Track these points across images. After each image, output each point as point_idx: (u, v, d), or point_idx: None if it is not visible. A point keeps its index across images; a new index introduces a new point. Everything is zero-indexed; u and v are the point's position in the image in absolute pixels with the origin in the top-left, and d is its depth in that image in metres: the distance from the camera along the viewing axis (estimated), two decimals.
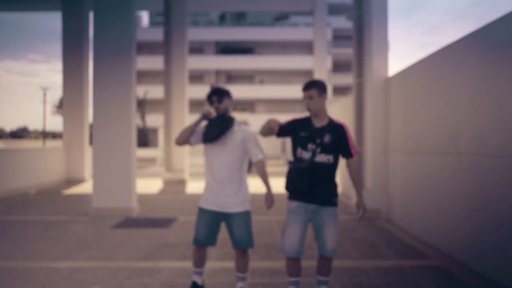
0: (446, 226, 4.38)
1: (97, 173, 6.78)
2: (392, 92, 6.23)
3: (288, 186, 2.83)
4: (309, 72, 37.25)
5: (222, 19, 40.61)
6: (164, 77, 12.37)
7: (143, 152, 28.81)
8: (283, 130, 2.90)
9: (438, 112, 4.57)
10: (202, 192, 3.14)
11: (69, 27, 12.46)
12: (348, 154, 2.87)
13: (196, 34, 36.05)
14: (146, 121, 34.29)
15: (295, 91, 35.98)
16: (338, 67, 39.57)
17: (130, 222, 6.19)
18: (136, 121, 29.35)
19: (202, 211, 3.07)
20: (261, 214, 6.77)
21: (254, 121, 30.41)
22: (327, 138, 2.79)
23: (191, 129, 3.09)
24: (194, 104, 38.09)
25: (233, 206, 3.00)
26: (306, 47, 38.13)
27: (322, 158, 2.79)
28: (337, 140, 2.82)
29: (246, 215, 3.03)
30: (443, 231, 4.45)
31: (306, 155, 2.80)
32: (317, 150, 2.77)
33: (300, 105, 37.91)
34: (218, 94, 3.08)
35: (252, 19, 39.98)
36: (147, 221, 6.31)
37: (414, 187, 5.26)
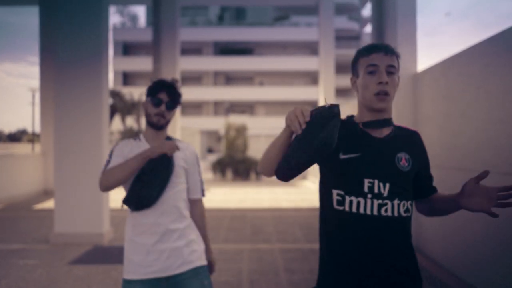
0: None
1: (60, 191, 5.54)
2: (423, 90, 5.00)
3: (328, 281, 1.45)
4: (311, 73, 36.10)
5: (221, 19, 39.47)
6: (152, 77, 11.16)
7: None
8: None
9: (508, 115, 3.33)
10: (125, 254, 1.93)
11: (47, 23, 11.22)
12: (431, 189, 1.58)
13: (194, 34, 34.98)
14: (141, 124, 33.01)
15: (296, 92, 34.85)
16: (340, 68, 38.40)
17: (96, 254, 4.94)
18: (132, 123, 28.02)
19: (129, 284, 1.88)
20: (261, 241, 5.54)
21: (254, 124, 29.23)
22: (404, 162, 1.45)
23: (130, 170, 1.87)
24: (192, 107, 36.90)
25: (184, 263, 1.91)
26: (308, 48, 37.02)
27: (393, 207, 1.40)
28: (417, 165, 1.50)
29: (204, 272, 1.98)
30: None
31: (360, 204, 1.39)
32: (383, 189, 1.40)
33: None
34: (172, 94, 1.97)
35: (251, 19, 38.84)
36: (118, 251, 5.06)
37: (459, 214, 4.02)
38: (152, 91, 1.96)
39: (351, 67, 1.53)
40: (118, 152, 1.95)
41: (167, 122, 1.99)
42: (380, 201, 1.38)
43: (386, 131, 1.49)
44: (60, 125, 5.56)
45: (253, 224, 6.76)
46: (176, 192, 1.95)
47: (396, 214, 1.39)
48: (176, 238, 1.91)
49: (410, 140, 1.53)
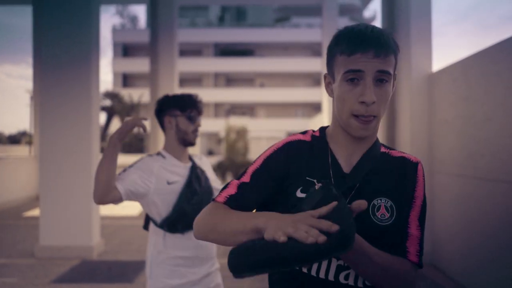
0: None
1: (45, 200, 5.14)
2: (440, 92, 4.59)
3: None
4: (312, 75, 35.71)
5: (221, 20, 39.15)
6: (149, 79, 10.80)
7: (136, 159, 27.16)
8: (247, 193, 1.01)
9: None
10: (156, 274, 1.85)
11: (39, 23, 10.85)
12: (399, 249, 0.98)
13: (194, 35, 34.63)
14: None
15: (297, 94, 34.49)
16: None
17: (83, 271, 4.53)
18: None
19: None
20: None
21: (254, 126, 28.87)
22: (383, 211, 0.98)
23: (108, 161, 1.68)
24: None
25: (216, 285, 1.96)
26: (309, 49, 36.67)
27: (357, 274, 1.01)
28: (404, 215, 1.01)
29: None
30: None
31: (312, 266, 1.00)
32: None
33: (303, 109, 36.40)
34: (200, 109, 1.95)
35: (252, 20, 38.52)
36: (107, 267, 4.66)
37: (485, 229, 3.61)
38: (185, 107, 1.88)
39: (326, 59, 1.06)
40: (142, 166, 1.80)
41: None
42: (340, 263, 0.96)
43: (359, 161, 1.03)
44: (45, 129, 5.17)
45: None
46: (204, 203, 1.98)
47: (360, 284, 0.97)
48: (214, 261, 1.97)
49: (399, 177, 1.01)
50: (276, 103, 35.57)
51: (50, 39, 5.23)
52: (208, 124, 33.57)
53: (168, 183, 1.81)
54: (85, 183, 5.12)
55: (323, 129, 1.09)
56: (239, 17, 39.37)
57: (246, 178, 1.01)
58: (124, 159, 25.73)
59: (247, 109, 37.21)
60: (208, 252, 1.88)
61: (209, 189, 1.95)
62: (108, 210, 8.10)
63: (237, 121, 25.38)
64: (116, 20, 67.46)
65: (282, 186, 1.01)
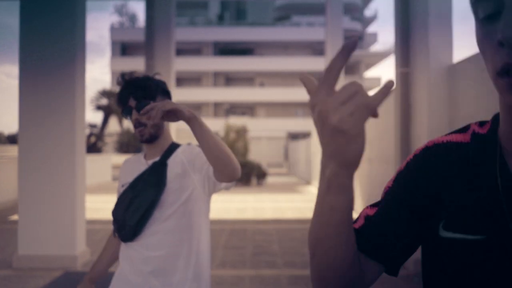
0: None
1: (24, 205, 4.69)
2: (463, 84, 4.12)
3: None
4: (312, 74, 34.91)
5: (221, 19, 38.73)
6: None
7: None
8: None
9: None
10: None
11: (28, 18, 10.38)
12: None
13: (193, 34, 34.26)
14: None
15: (297, 94, 34.09)
16: (346, 69, 37.70)
17: (65, 284, 4.06)
18: (129, 125, 27.70)
19: None
20: (264, 265, 4.66)
21: (254, 126, 28.44)
22: None
23: None
24: (190, 108, 36.07)
25: None
26: (309, 48, 36.28)
27: None
28: None
29: None
30: None
31: None
32: None
33: (303, 109, 35.97)
34: (138, 92, 1.46)
35: (252, 19, 38.11)
36: None
37: None
38: (120, 101, 1.50)
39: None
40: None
41: (153, 130, 1.47)
42: None
43: None
44: (25, 130, 4.76)
45: (254, 241, 5.89)
46: (167, 222, 1.46)
47: None
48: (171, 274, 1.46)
49: None
50: (276, 102, 35.17)
51: (32, 34, 4.93)
52: (207, 124, 33.11)
53: (122, 186, 1.56)
54: (68, 187, 4.66)
55: (495, 119, 0.62)
56: (238, 15, 38.97)
57: (380, 200, 0.69)
58: (122, 159, 25.37)
59: (247, 109, 36.79)
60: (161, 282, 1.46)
61: (151, 193, 1.48)
62: (98, 213, 7.65)
63: (236, 121, 24.97)
64: (115, 19, 66.94)
65: (422, 217, 0.62)
